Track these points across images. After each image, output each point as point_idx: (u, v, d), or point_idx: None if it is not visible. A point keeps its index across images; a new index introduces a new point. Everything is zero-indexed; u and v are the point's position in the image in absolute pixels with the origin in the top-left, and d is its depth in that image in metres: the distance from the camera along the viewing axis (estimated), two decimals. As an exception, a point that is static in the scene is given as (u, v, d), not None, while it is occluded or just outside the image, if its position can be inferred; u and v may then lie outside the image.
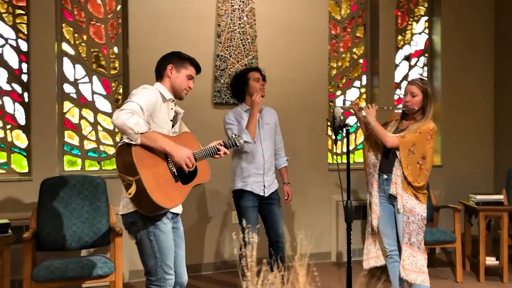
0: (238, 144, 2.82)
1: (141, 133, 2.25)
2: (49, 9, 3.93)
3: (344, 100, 5.04)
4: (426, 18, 5.30)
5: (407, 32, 5.25)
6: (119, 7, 4.25)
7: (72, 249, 3.46)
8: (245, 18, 4.38)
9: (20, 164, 4.04)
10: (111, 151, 4.26)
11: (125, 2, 4.17)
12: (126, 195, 2.28)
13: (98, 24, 4.22)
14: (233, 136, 2.85)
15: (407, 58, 5.25)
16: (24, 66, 3.99)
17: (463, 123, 5.23)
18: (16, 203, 3.82)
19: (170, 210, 2.47)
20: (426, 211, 3.09)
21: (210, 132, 4.27)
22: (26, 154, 4.02)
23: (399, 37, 5.21)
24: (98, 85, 4.23)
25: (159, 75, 2.61)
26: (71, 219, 3.49)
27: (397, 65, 5.19)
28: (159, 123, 2.45)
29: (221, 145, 2.68)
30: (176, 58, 2.61)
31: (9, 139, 3.99)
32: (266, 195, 3.41)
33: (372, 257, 3.32)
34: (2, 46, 3.96)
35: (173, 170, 2.42)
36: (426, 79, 3.27)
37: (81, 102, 4.18)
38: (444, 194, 5.10)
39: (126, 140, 2.26)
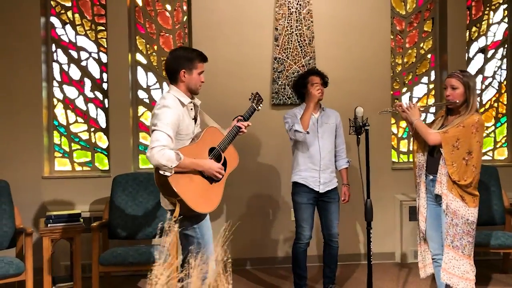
0: (256, 107, 2.97)
1: (175, 167, 2.44)
2: (123, 24, 4.42)
3: (411, 97, 4.90)
4: (505, 6, 4.93)
5: (482, 22, 4.93)
6: (185, 18, 4.61)
7: (139, 238, 3.87)
8: (302, 20, 4.49)
9: (102, 163, 4.59)
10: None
11: (190, 13, 4.52)
12: (172, 217, 2.49)
13: (167, 34, 4.62)
14: (251, 97, 2.98)
15: (483, 50, 4.94)
16: (104, 76, 4.52)
17: (548, 118, 4.78)
18: (98, 196, 4.35)
19: None
20: (475, 215, 2.90)
21: (269, 132, 4.51)
22: (106, 154, 4.55)
23: (473, 29, 4.92)
24: (168, 90, 4.63)
25: (173, 79, 2.69)
26: (138, 211, 3.90)
27: (471, 59, 4.92)
28: (183, 133, 2.63)
29: (239, 120, 2.84)
30: (185, 61, 2.66)
31: (93, 140, 4.56)
32: (321, 191, 3.50)
33: (428, 263, 3.17)
34: (87, 59, 4.54)
35: (206, 175, 2.64)
36: (468, 71, 3.06)
37: (153, 106, 4.61)
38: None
39: (161, 173, 2.44)
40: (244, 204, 4.56)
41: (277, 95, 4.51)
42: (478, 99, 4.92)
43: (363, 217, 4.67)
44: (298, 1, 4.49)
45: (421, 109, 3.11)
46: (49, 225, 3.42)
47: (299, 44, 4.51)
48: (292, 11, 4.50)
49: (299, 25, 4.50)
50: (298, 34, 4.51)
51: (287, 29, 4.49)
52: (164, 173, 2.44)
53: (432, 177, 3.00)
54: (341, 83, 4.59)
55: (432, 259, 3.13)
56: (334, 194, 3.56)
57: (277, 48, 4.50)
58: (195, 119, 2.79)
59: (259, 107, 3.10)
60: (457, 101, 2.92)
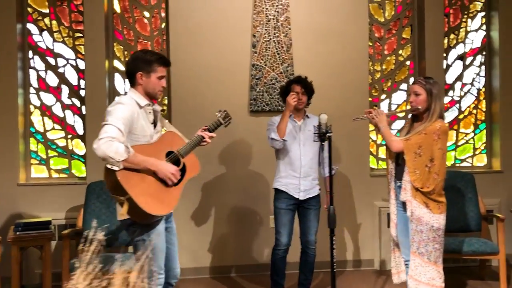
0: (223, 122, 2.92)
1: (123, 160, 2.35)
2: (100, 30, 4.40)
3: (390, 104, 4.91)
4: (483, 13, 4.97)
5: (461, 30, 4.96)
6: (163, 24, 4.61)
7: (111, 246, 3.83)
8: (280, 27, 4.50)
9: (79, 169, 4.56)
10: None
11: (168, 19, 4.51)
12: (119, 216, 2.47)
13: (145, 41, 4.62)
14: (218, 113, 2.94)
15: (461, 57, 4.96)
16: (82, 83, 4.51)
17: (525, 125, 4.80)
18: (74, 204, 4.31)
19: None
20: (440, 221, 2.91)
21: (247, 138, 4.51)
22: (84, 161, 4.53)
23: (452, 36, 4.95)
24: (146, 97, 4.62)
25: (131, 81, 2.65)
26: (112, 219, 3.87)
27: (449, 66, 4.94)
28: (138, 133, 2.56)
29: (204, 130, 2.81)
30: (143, 63, 2.61)
31: (70, 147, 4.53)
32: (301, 198, 3.49)
33: (403, 270, 3.17)
34: (64, 65, 4.52)
35: (161, 178, 2.56)
36: (432, 78, 3.09)
37: (130, 113, 4.60)
38: (505, 202, 4.73)
39: (109, 166, 2.35)
40: (228, 211, 4.54)
41: (255, 102, 4.50)
42: (458, 105, 4.94)
43: (347, 223, 4.72)
44: (276, 8, 4.51)
45: (388, 115, 3.11)
46: (17, 233, 3.39)
47: (277, 51, 4.51)
48: (270, 18, 4.51)
49: (277, 32, 4.51)
50: (276, 41, 4.51)
51: (265, 36, 4.50)
52: (111, 167, 2.34)
53: (399, 183, 3.01)
54: (319, 89, 4.55)
55: (405, 264, 3.13)
56: (315, 201, 3.55)
57: (255, 55, 4.50)
58: (154, 124, 2.73)
59: (226, 124, 3.03)
60: (420, 107, 2.95)
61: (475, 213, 4.17)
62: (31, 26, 4.48)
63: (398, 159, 3.04)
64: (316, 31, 4.61)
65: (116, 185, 2.39)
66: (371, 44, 4.84)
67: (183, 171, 2.68)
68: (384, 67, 4.90)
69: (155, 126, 2.72)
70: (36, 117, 4.50)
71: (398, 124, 4.87)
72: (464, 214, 4.17)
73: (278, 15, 4.51)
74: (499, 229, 3.80)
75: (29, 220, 3.58)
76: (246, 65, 4.52)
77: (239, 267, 4.53)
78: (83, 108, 4.50)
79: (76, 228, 3.82)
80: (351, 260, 4.69)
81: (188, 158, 2.72)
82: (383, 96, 4.89)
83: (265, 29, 4.50)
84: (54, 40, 4.50)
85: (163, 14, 4.61)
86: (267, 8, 4.50)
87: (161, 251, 2.63)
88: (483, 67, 4.98)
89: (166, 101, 4.61)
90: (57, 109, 4.51)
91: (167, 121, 2.92)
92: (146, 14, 4.61)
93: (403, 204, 3.01)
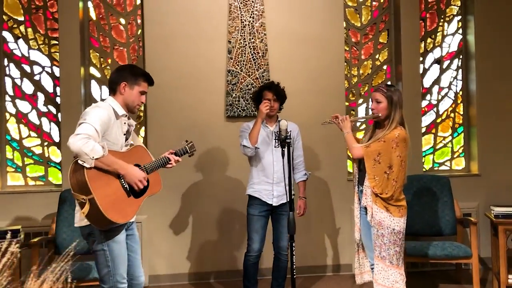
0: (189, 151, 2.97)
1: (97, 158, 2.38)
2: (75, 37, 4.40)
3: (367, 108, 4.92)
4: (459, 17, 4.99)
5: (437, 34, 4.98)
6: (139, 31, 4.61)
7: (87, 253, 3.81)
8: (255, 33, 4.51)
9: (56, 177, 4.55)
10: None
11: (144, 26, 4.51)
12: (80, 214, 2.47)
13: (121, 48, 4.62)
14: (185, 142, 2.99)
15: (438, 61, 4.98)
16: (58, 90, 4.50)
17: (502, 128, 4.81)
18: (50, 211, 4.30)
19: None
20: (400, 224, 2.94)
21: (224, 144, 4.51)
22: (60, 168, 4.51)
23: (429, 40, 4.97)
24: (122, 104, 4.62)
25: (112, 89, 2.70)
26: (85, 226, 3.86)
27: (426, 69, 4.95)
28: (111, 140, 2.59)
29: (171, 153, 2.84)
30: (130, 75, 2.68)
31: (46, 155, 4.52)
32: (274, 204, 3.50)
33: (366, 271, 3.25)
34: (40, 73, 4.52)
35: (125, 186, 2.58)
36: (394, 86, 3.13)
37: (107, 119, 4.60)
38: (483, 206, 4.73)
39: (80, 162, 2.38)
40: (205, 217, 4.53)
41: (231, 108, 4.50)
42: (436, 109, 4.95)
43: (326, 228, 4.72)
44: (251, 14, 4.52)
45: (352, 122, 3.14)
46: (-14, 241, 3.36)
47: (252, 57, 4.52)
48: (245, 24, 4.52)
49: (252, 38, 4.52)
50: (251, 47, 4.52)
51: (240, 42, 4.51)
52: (83, 163, 2.37)
53: (361, 188, 3.04)
54: (296, 94, 4.60)
55: (371, 268, 3.15)
56: (288, 207, 3.53)
57: (230, 61, 4.51)
58: (126, 135, 2.76)
59: (191, 154, 3.07)
60: (380, 115, 2.97)
61: (450, 217, 4.18)
62: (6, 34, 4.47)
63: (360, 164, 3.06)
64: (292, 36, 4.62)
65: (82, 183, 2.40)
66: (347, 49, 4.85)
67: (146, 187, 2.68)
68: (361, 71, 4.91)
69: (126, 139, 2.75)
70: (11, 125, 4.49)
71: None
72: (439, 218, 4.18)
73: (253, 21, 4.52)
74: (472, 233, 3.80)
75: (-2, 228, 3.55)
76: (222, 71, 4.53)
77: (218, 273, 4.52)
78: (59, 115, 4.49)
79: (49, 236, 3.80)
80: (330, 264, 4.69)
81: (152, 175, 2.75)
82: (360, 101, 4.90)
83: (241, 35, 4.51)
84: (30, 48, 4.50)
85: (139, 21, 4.61)
86: (242, 14, 4.51)
87: (122, 260, 2.62)
88: (460, 70, 4.99)
89: (142, 107, 4.61)
90: (33, 117, 4.51)
91: (139, 138, 2.94)
92: (122, 21, 4.62)
93: (366, 209, 3.02)
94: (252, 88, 4.49)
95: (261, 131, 3.48)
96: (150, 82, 2.79)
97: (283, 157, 2.58)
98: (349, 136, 3.06)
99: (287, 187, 2.71)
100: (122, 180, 2.57)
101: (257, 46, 4.53)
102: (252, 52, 4.52)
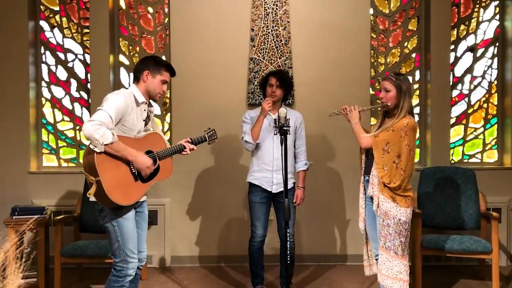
0: (208, 139, 3.04)
1: (106, 144, 2.53)
2: (105, 26, 4.58)
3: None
4: (496, 2, 4.74)
5: (472, 20, 4.76)
6: (166, 19, 4.73)
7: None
8: (278, 21, 4.51)
9: (86, 159, 4.78)
10: (160, 148, 4.77)
11: (170, 15, 4.63)
12: (88, 194, 2.63)
13: (149, 36, 4.76)
14: (205, 130, 3.07)
15: (471, 49, 4.77)
16: (89, 76, 4.71)
17: (538, 120, 4.56)
18: (79, 191, 4.54)
19: None
20: (407, 215, 2.88)
21: (244, 132, 4.55)
22: (90, 151, 4.74)
23: (462, 27, 4.76)
24: (149, 90, 4.78)
25: (136, 78, 2.84)
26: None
27: (458, 58, 4.76)
28: (128, 125, 2.73)
29: (189, 142, 2.93)
30: (153, 64, 2.82)
31: (78, 138, 4.76)
32: (274, 191, 3.53)
33: (375, 263, 3.18)
34: (73, 60, 4.75)
35: (134, 171, 2.72)
36: (403, 74, 3.05)
37: (134, 105, 4.77)
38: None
39: (91, 147, 2.54)
40: (220, 204, 4.63)
41: (252, 95, 4.55)
42: (467, 99, 4.77)
43: (341, 218, 4.69)
44: (275, 2, 4.52)
45: (361, 112, 3.09)
46: (14, 217, 3.62)
47: (275, 45, 4.53)
48: (269, 12, 4.53)
49: (275, 26, 4.53)
50: (274, 35, 4.53)
51: (263, 30, 4.53)
52: (94, 148, 2.52)
53: (367, 177, 2.99)
54: (319, 83, 4.58)
55: (375, 258, 3.12)
56: (289, 195, 3.53)
57: (253, 49, 4.54)
58: (146, 122, 2.89)
59: (210, 142, 3.18)
60: (389, 104, 2.92)
61: (474, 210, 4.04)
62: (43, 23, 4.73)
63: (368, 153, 3.02)
64: (316, 24, 4.58)
65: (91, 165, 2.57)
66: (375, 36, 4.75)
67: (156, 171, 2.80)
68: (388, 60, 4.79)
69: (145, 125, 2.88)
70: (47, 109, 4.76)
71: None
72: (462, 212, 4.05)
73: (277, 8, 4.52)
74: (493, 228, 3.65)
75: (26, 205, 3.80)
76: (244, 59, 4.57)
77: (230, 258, 4.61)
78: (90, 100, 4.71)
79: (74, 215, 4.03)
80: (343, 254, 4.65)
81: (164, 162, 2.87)
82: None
83: (264, 23, 4.53)
84: (64, 36, 4.73)
85: (166, 10, 4.73)
86: (265, 2, 4.52)
87: (131, 236, 2.76)
88: (495, 59, 4.76)
89: (167, 95, 4.74)
90: (66, 102, 4.75)
91: (160, 126, 3.06)
92: (150, 9, 4.75)
93: (372, 198, 2.98)
94: (274, 76, 4.50)
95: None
96: (172, 72, 2.91)
97: (281, 145, 2.59)
98: (357, 127, 3.02)
99: (285, 175, 2.72)
100: (132, 165, 2.70)
101: (280, 33, 4.53)
102: (275, 40, 4.53)
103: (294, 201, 3.58)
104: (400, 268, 2.87)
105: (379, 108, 3.07)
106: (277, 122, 2.80)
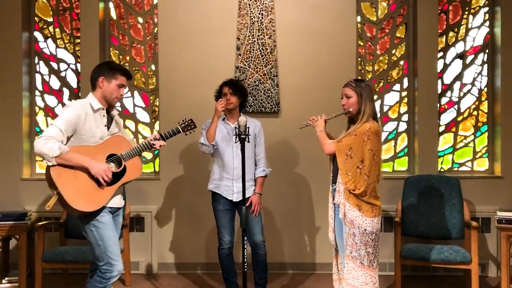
0: (182, 131, 3.10)
1: (55, 156, 2.62)
2: (95, 36, 4.69)
3: (382, 105, 4.78)
4: (486, 9, 4.69)
5: (461, 27, 4.72)
6: (156, 29, 4.82)
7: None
8: (264, 29, 4.55)
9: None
10: (149, 156, 4.85)
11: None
12: (46, 207, 2.71)
13: (139, 46, 4.86)
14: (179, 122, 3.12)
15: (461, 56, 4.72)
16: (81, 85, 4.83)
17: (528, 127, 4.48)
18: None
19: (108, 205, 2.82)
20: (373, 225, 2.85)
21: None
22: (81, 158, 4.83)
23: (451, 34, 4.72)
24: (139, 99, 4.87)
25: (93, 85, 2.91)
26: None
27: (447, 65, 4.72)
28: (85, 134, 2.79)
29: (156, 138, 2.98)
30: (107, 70, 2.88)
31: (70, 146, 4.87)
32: (235, 200, 3.54)
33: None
34: (65, 69, 4.87)
35: (95, 177, 2.76)
36: (363, 80, 3.05)
37: (124, 114, 4.86)
38: (505, 210, 4.43)
39: (45, 162, 2.66)
40: (208, 210, 4.64)
41: (238, 103, 4.57)
42: (456, 106, 4.71)
43: (315, 226, 4.64)
44: (261, 11, 4.56)
45: (327, 120, 3.10)
46: (-3, 222, 3.74)
47: (260, 53, 4.57)
48: (254, 21, 4.57)
49: (261, 34, 4.57)
50: (260, 43, 4.57)
51: (249, 38, 4.57)
52: (47, 162, 2.64)
53: (334, 186, 2.98)
54: (305, 90, 4.60)
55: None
56: (250, 203, 3.54)
57: (239, 57, 4.58)
58: (108, 127, 2.94)
59: (187, 133, 3.22)
60: (351, 109, 2.92)
61: (458, 220, 3.98)
62: (37, 34, 4.86)
63: (334, 161, 3.01)
64: (302, 31, 4.61)
65: (49, 179, 2.68)
66: (362, 44, 4.74)
67: (123, 172, 2.85)
68: (376, 67, 4.78)
69: (108, 129, 2.93)
70: (40, 118, 4.88)
71: (390, 126, 4.77)
72: (446, 221, 4.00)
73: (262, 17, 4.56)
74: (473, 237, 3.60)
75: (8, 211, 3.90)
76: (231, 67, 4.62)
77: (203, 265, 4.63)
78: (82, 109, 4.80)
79: (60, 221, 4.11)
80: (323, 263, 4.62)
81: (131, 161, 2.90)
82: (375, 97, 4.77)
83: (250, 32, 4.57)
84: (57, 46, 4.86)
85: (156, 20, 4.81)
86: (251, 11, 4.57)
87: (111, 239, 2.80)
88: (485, 66, 4.70)
89: (157, 102, 4.82)
90: (59, 110, 4.87)
91: (123, 128, 3.12)
92: (140, 19, 4.85)
93: (339, 207, 2.97)
94: (260, 84, 4.55)
95: (222, 128, 3.56)
96: (127, 75, 2.95)
97: (242, 153, 2.62)
98: (322, 134, 3.03)
99: (243, 183, 2.74)
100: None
101: (265, 42, 4.57)
102: (260, 49, 4.57)
103: (250, 207, 3.53)
104: (366, 279, 2.84)
105: (343, 115, 3.06)
106: (236, 131, 2.82)
